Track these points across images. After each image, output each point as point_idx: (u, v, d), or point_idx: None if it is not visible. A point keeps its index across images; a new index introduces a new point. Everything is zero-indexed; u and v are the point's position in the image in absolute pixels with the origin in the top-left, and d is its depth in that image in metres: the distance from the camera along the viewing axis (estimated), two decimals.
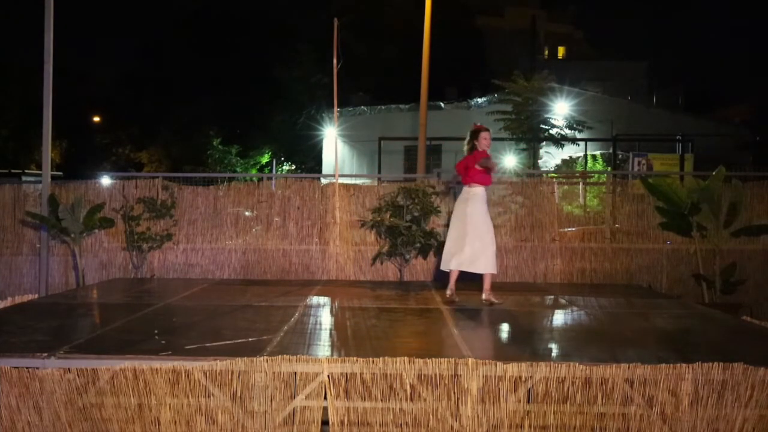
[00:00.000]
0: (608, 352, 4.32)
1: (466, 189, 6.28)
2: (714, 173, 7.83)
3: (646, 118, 21.67)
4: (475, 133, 6.28)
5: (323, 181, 10.55)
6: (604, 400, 3.84)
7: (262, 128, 30.28)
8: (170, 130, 31.78)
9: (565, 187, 9.70)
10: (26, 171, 21.58)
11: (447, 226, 8.73)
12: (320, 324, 5.23)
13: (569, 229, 8.86)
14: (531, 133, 18.73)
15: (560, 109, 19.17)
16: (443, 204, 8.67)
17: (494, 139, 19.67)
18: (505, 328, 5.47)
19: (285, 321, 5.23)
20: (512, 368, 3.83)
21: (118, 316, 5.50)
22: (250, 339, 4.51)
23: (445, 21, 21.19)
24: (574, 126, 18.96)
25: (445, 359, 3.87)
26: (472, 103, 23.11)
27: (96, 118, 33.59)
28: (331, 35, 8.43)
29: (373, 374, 3.87)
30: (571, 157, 20.21)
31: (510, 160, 19.41)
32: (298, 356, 3.95)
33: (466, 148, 6.32)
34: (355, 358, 3.90)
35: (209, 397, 3.89)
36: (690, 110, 27.38)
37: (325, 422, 3.91)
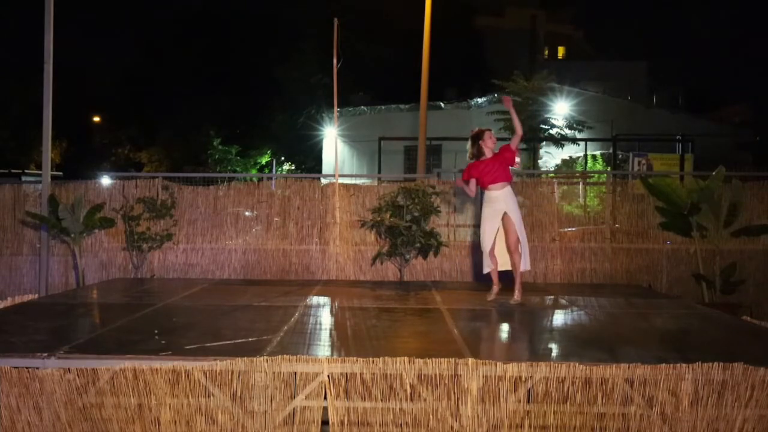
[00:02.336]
0: (608, 352, 4.32)
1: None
2: (714, 173, 7.83)
3: (646, 118, 21.67)
4: (476, 137, 6.24)
5: (323, 181, 10.56)
6: (604, 400, 3.84)
7: (262, 128, 30.27)
8: (170, 130, 31.77)
9: (565, 187, 9.70)
10: (26, 171, 21.56)
11: (447, 225, 8.78)
12: (320, 324, 5.23)
13: (569, 229, 8.86)
14: (531, 133, 18.72)
15: (560, 109, 19.18)
16: (443, 204, 8.68)
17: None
18: (505, 328, 5.48)
19: (285, 321, 5.23)
20: (512, 368, 3.83)
21: (118, 316, 5.50)
22: (250, 339, 4.51)
23: (445, 21, 21.16)
24: (574, 126, 18.97)
25: (445, 359, 3.87)
26: (472, 103, 23.10)
27: (96, 118, 33.57)
28: (332, 35, 8.44)
29: (373, 374, 3.87)
30: (571, 157, 20.20)
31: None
32: (298, 356, 3.95)
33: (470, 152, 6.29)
34: (355, 358, 3.90)
35: (209, 397, 3.89)
36: (690, 110, 27.37)
37: (325, 422, 3.91)
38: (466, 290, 7.30)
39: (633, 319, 5.68)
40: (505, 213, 6.09)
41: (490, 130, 6.33)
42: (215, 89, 30.03)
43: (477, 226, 8.78)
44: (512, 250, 6.14)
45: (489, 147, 6.20)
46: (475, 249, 8.71)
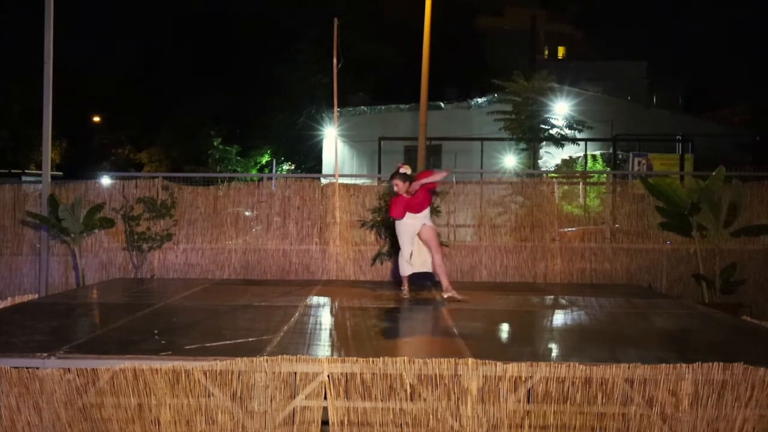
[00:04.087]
0: (608, 352, 4.32)
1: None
2: (714, 173, 7.83)
3: (646, 118, 21.67)
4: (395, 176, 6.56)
5: (323, 181, 10.55)
6: (604, 400, 3.84)
7: (262, 128, 30.27)
8: (170, 130, 31.77)
9: (565, 187, 9.70)
10: (26, 171, 21.57)
11: (447, 225, 8.78)
12: (320, 324, 5.23)
13: (569, 229, 8.86)
14: (531, 133, 18.72)
15: (560, 109, 19.16)
16: (443, 204, 8.68)
17: (494, 139, 19.70)
18: (505, 328, 5.48)
19: (285, 321, 5.23)
20: (512, 368, 3.83)
21: (118, 316, 5.50)
22: (250, 339, 4.51)
23: (445, 21, 21.17)
24: (574, 126, 18.96)
25: (445, 359, 3.87)
26: (472, 103, 23.10)
27: (96, 118, 33.56)
28: (331, 35, 8.43)
29: (373, 374, 3.87)
30: (571, 157, 20.19)
31: (510, 160, 19.46)
32: (298, 356, 3.95)
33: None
34: (355, 358, 3.90)
35: (209, 397, 3.89)
36: (690, 110, 27.37)
37: (325, 422, 3.91)
38: (466, 290, 7.29)
39: (633, 319, 5.69)
40: (424, 224, 6.61)
41: (398, 177, 6.49)
42: (215, 89, 30.02)
43: (477, 226, 8.81)
44: (436, 251, 6.62)
45: (400, 189, 6.50)
46: (476, 250, 8.72)
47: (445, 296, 6.49)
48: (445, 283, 6.60)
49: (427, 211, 6.70)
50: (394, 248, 8.29)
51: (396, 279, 7.37)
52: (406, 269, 6.79)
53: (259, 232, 8.92)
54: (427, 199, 6.64)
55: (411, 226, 6.64)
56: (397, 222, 6.71)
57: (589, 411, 3.85)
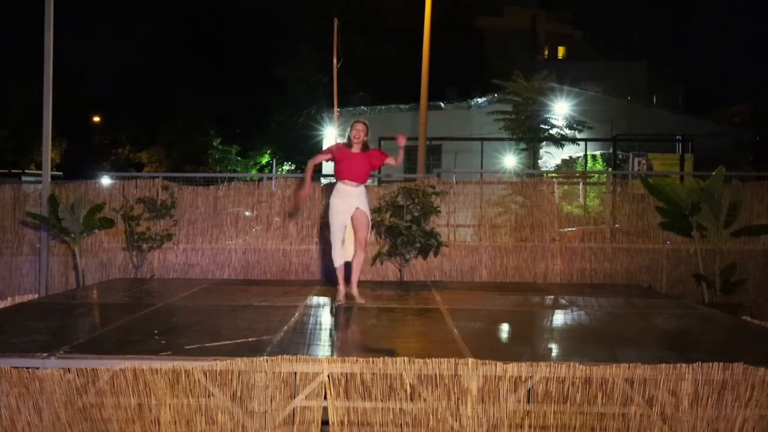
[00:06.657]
0: (608, 352, 4.32)
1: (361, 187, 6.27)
2: (714, 173, 7.83)
3: (646, 118, 21.69)
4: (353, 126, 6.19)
5: (323, 181, 10.55)
6: (604, 400, 3.84)
7: (262, 128, 30.30)
8: (170, 130, 31.78)
9: (565, 187, 9.69)
10: (26, 171, 21.56)
11: (447, 225, 8.78)
12: (320, 324, 5.23)
13: (569, 229, 8.86)
14: (531, 133, 18.73)
15: (560, 109, 19.17)
16: (443, 204, 8.67)
17: (494, 139, 19.65)
18: (505, 328, 5.48)
19: (285, 321, 5.23)
20: (512, 368, 3.83)
21: (118, 316, 5.50)
22: (250, 339, 4.51)
23: (445, 21, 21.19)
24: (574, 126, 18.97)
25: (445, 359, 3.87)
26: (472, 103, 23.10)
27: (96, 118, 33.58)
28: (331, 35, 8.44)
29: (373, 374, 3.87)
30: (571, 157, 20.21)
31: (510, 160, 19.47)
32: (298, 356, 3.95)
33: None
34: (355, 358, 3.90)
35: (209, 397, 3.89)
36: (690, 110, 27.39)
37: (325, 422, 3.91)
38: (466, 290, 7.30)
39: (633, 319, 5.68)
40: (357, 208, 6.17)
41: (363, 123, 6.22)
42: (215, 89, 30.03)
43: (477, 226, 8.80)
44: (361, 247, 6.29)
45: (355, 139, 6.11)
46: (476, 250, 8.71)
47: (360, 301, 6.19)
48: (355, 288, 6.29)
49: (363, 189, 6.25)
50: (394, 248, 8.32)
51: (330, 279, 6.84)
52: (337, 257, 6.26)
53: (259, 232, 8.92)
54: (366, 169, 6.15)
55: (347, 205, 6.15)
56: (332, 201, 6.25)
57: (589, 411, 3.85)
